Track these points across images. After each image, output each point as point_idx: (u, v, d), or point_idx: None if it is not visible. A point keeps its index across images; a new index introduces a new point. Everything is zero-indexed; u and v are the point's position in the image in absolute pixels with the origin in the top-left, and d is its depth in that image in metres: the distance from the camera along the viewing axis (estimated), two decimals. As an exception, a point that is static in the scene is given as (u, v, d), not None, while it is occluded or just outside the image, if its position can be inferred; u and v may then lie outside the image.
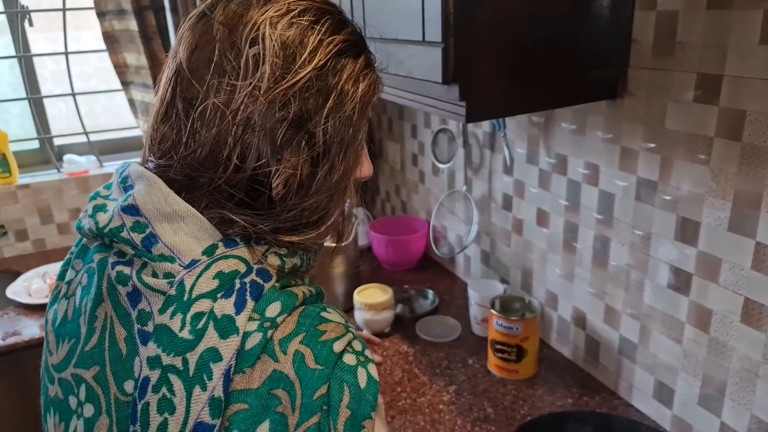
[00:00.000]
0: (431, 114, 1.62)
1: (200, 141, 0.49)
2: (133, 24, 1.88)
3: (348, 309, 1.46)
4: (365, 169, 0.60)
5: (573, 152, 1.12)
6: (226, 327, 0.46)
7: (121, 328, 0.50)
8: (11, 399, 1.54)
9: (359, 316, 1.37)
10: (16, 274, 1.80)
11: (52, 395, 0.55)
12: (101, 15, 1.91)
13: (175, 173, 0.51)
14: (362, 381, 0.48)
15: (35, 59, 2.05)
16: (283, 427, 0.45)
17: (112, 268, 0.51)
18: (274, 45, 0.49)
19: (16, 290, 1.67)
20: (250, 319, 0.47)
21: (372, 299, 1.35)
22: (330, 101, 0.51)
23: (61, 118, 2.21)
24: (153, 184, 0.51)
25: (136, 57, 1.96)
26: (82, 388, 0.51)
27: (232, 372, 0.45)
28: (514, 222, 1.36)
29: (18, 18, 1.94)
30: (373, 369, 0.50)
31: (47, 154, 2.09)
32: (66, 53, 2.02)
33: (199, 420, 0.45)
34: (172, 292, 0.47)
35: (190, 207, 0.50)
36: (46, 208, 2.01)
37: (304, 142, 0.50)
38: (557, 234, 1.22)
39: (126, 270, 0.50)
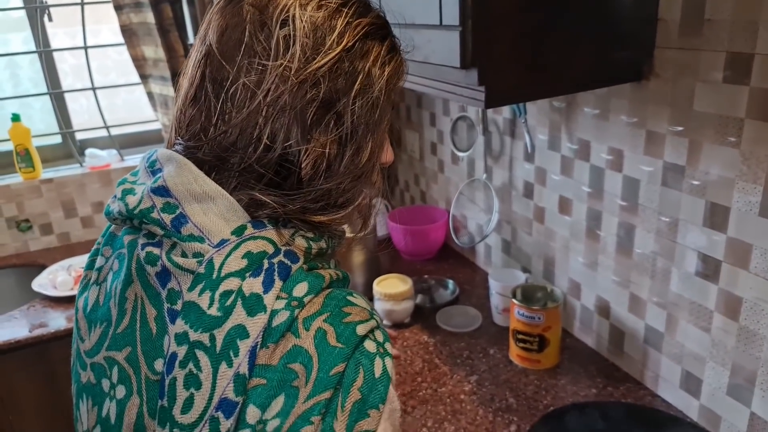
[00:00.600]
0: (450, 101, 1.60)
1: (231, 122, 0.50)
2: (150, 16, 1.88)
3: (368, 300, 1.45)
4: (388, 155, 0.60)
5: (596, 138, 1.10)
6: (254, 305, 0.47)
7: (152, 307, 0.51)
8: (38, 389, 1.58)
9: (379, 306, 1.36)
10: (42, 267, 1.84)
11: (84, 381, 0.56)
12: (118, 8, 1.92)
13: (204, 154, 0.52)
14: (377, 370, 0.48)
15: (55, 54, 2.07)
16: (294, 400, 0.46)
17: (142, 249, 0.51)
18: (304, 26, 0.50)
19: (42, 283, 1.70)
20: (278, 297, 0.48)
21: (392, 289, 1.35)
22: (357, 83, 0.51)
23: (82, 113, 2.24)
24: (183, 165, 0.52)
25: (153, 50, 1.96)
26: (115, 369, 0.52)
27: (258, 349, 0.46)
28: (536, 210, 1.33)
29: (37, 13, 1.96)
30: (389, 363, 0.50)
31: (69, 148, 2.12)
32: (85, 47, 2.04)
33: (223, 396, 0.45)
34: (201, 270, 0.48)
35: (220, 188, 0.51)
36: (70, 201, 2.04)
37: (332, 123, 0.51)
38: (580, 222, 1.19)
39: (155, 251, 0.51)
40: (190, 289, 0.48)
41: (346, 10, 0.52)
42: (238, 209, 0.51)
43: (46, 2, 1.97)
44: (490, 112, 1.42)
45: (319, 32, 0.50)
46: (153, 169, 0.55)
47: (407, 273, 1.44)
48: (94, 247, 0.61)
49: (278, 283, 0.48)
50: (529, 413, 1.05)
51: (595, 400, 1.08)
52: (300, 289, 0.49)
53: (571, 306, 1.27)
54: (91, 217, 2.08)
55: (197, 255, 0.49)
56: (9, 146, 1.96)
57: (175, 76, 1.98)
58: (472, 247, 1.66)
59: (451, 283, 1.52)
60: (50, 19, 2.01)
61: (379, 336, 0.51)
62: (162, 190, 0.51)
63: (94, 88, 2.08)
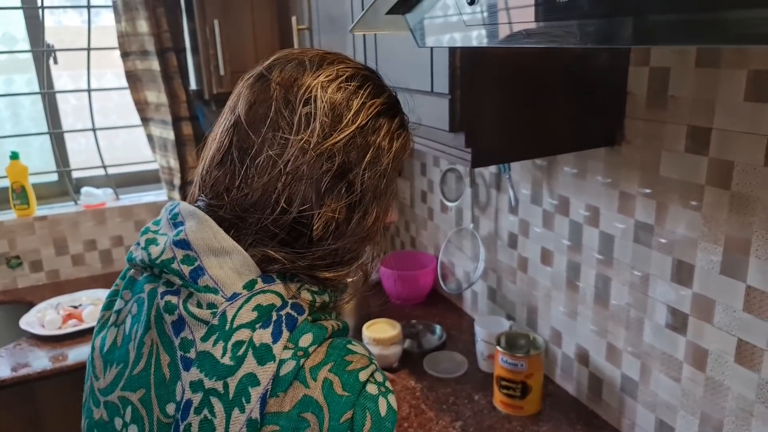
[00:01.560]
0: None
1: (252, 186, 0.55)
2: (155, 64, 1.97)
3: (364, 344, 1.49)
4: (393, 215, 0.67)
5: (575, 194, 1.18)
6: (264, 354, 0.51)
7: (166, 354, 0.55)
8: (22, 429, 1.56)
9: (367, 349, 1.40)
10: (30, 305, 1.83)
11: (96, 418, 0.59)
12: (125, 55, 2.01)
13: (225, 213, 0.57)
14: (383, 409, 0.53)
15: (58, 95, 2.14)
16: None
17: (161, 298, 0.56)
18: (324, 106, 0.56)
19: (30, 321, 1.69)
20: (285, 348, 0.52)
21: (380, 334, 1.39)
22: (368, 155, 0.57)
23: (80, 152, 2.29)
24: (204, 222, 0.56)
25: (156, 95, 2.04)
26: (129, 409, 0.56)
27: (267, 396, 0.50)
28: (520, 260, 1.40)
29: (44, 56, 2.03)
30: (392, 399, 0.54)
31: (65, 186, 2.16)
32: (89, 90, 2.11)
33: None
34: (215, 321, 0.52)
35: (236, 244, 0.55)
36: (62, 239, 2.06)
37: (344, 190, 0.56)
38: (560, 272, 1.26)
39: (174, 300, 0.55)
40: (204, 339, 0.52)
41: (362, 92, 0.58)
42: (251, 264, 0.55)
43: (53, 46, 2.05)
44: (476, 166, 1.50)
45: (337, 111, 0.56)
46: (175, 221, 0.59)
47: (396, 317, 1.48)
48: (113, 288, 0.66)
49: (286, 334, 0.52)
50: (511, 458, 1.09)
51: (573, 446, 1.12)
52: (305, 340, 0.53)
53: (552, 353, 1.33)
54: (82, 254, 2.10)
55: (211, 306, 0.53)
56: (5, 183, 1.98)
57: (176, 120, 2.06)
58: (460, 293, 1.72)
59: (438, 328, 1.57)
60: (56, 62, 2.08)
61: (379, 377, 0.55)
62: (183, 243, 0.56)
63: (94, 129, 2.14)
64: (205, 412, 0.50)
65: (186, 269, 0.55)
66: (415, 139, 1.08)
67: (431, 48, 0.90)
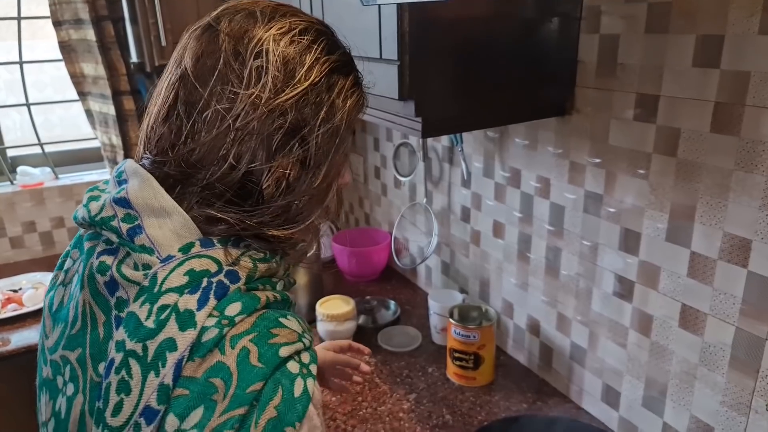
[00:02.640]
0: (390, 128, 1.66)
1: (199, 141, 0.54)
2: (90, 34, 1.86)
3: (311, 320, 1.47)
4: (347, 177, 0.65)
5: (526, 166, 1.17)
6: (186, 320, 0.49)
7: (101, 313, 0.54)
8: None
9: (322, 327, 1.38)
10: (-34, 289, 1.75)
11: (44, 376, 0.60)
12: (57, 24, 1.89)
13: (170, 169, 0.55)
14: (297, 390, 0.50)
15: (-12, 68, 2.00)
16: (211, 413, 0.48)
17: (96, 258, 0.55)
18: (276, 60, 0.54)
19: (-34, 306, 1.62)
20: (210, 315, 0.50)
21: (334, 310, 1.37)
22: (322, 113, 0.56)
23: (14, 129, 2.16)
24: (146, 180, 0.55)
25: (93, 67, 1.93)
26: (67, 368, 0.56)
27: (184, 362, 0.49)
28: (472, 233, 1.40)
29: (-30, 26, 1.90)
30: (311, 384, 0.52)
31: (-1, 165, 2.04)
32: (21, 62, 1.98)
33: (147, 403, 0.48)
34: (146, 283, 0.51)
35: (177, 205, 0.54)
36: (-2, 220, 1.96)
37: (296, 147, 0.55)
38: (512, 245, 1.26)
39: (108, 260, 0.54)
40: (135, 300, 0.51)
41: (315, 46, 0.56)
42: (191, 226, 0.54)
43: (-21, 15, 1.91)
44: (429, 139, 1.48)
45: (290, 66, 0.54)
46: (119, 179, 0.58)
47: (350, 294, 1.46)
48: (66, 249, 0.64)
49: (212, 302, 0.51)
50: (465, 429, 1.10)
51: (525, 413, 1.13)
52: (233, 309, 0.51)
53: (504, 325, 1.34)
54: (21, 237, 2.00)
55: (146, 267, 0.52)
56: (-67, 162, 1.87)
57: (116, 94, 1.95)
58: (414, 268, 1.71)
59: (392, 303, 1.56)
60: (-17, 32, 1.95)
61: (305, 358, 0.53)
62: (124, 202, 0.55)
63: (28, 104, 2.02)
64: (123, 372, 0.49)
65: (125, 227, 0.54)
66: (366, 111, 1.06)
67: (379, 13, 0.87)
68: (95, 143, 2.14)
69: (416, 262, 1.67)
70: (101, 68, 1.90)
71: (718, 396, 0.86)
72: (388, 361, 1.32)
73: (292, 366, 0.51)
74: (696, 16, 0.79)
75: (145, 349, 0.49)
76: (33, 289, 1.72)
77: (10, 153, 2.10)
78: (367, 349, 1.06)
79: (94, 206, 0.56)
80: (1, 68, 2.06)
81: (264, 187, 0.54)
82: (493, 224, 1.31)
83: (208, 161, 0.53)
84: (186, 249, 0.53)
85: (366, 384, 1.24)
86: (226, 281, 0.52)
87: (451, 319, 1.22)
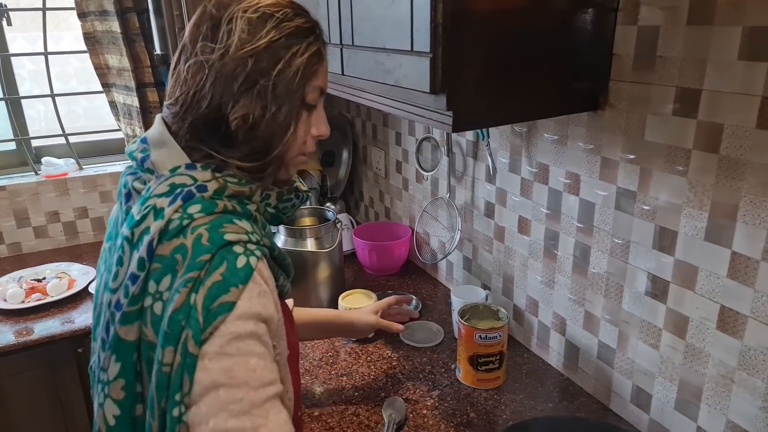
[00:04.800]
0: (417, 122, 1.64)
1: (186, 87, 0.71)
2: (115, 25, 1.86)
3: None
4: (322, 128, 0.79)
5: (555, 162, 1.15)
6: (158, 214, 0.67)
7: (122, 213, 0.75)
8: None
9: (343, 321, 1.37)
10: (-9, 278, 1.77)
11: (99, 264, 0.81)
12: (82, 15, 1.89)
13: (173, 110, 0.73)
14: (240, 263, 0.65)
15: (13, 59, 2.02)
16: (175, 277, 0.64)
17: (123, 177, 0.76)
18: (242, 23, 0.70)
19: (-9, 295, 1.64)
20: (176, 211, 0.67)
21: (357, 304, 1.36)
22: (279, 65, 0.70)
23: (39, 119, 2.18)
24: (158, 123, 0.75)
25: (118, 59, 1.94)
26: (104, 254, 0.78)
27: (154, 243, 0.66)
28: (496, 229, 1.38)
29: (-4, 17, 1.91)
30: (254, 260, 0.66)
31: (24, 155, 2.06)
32: (45, 53, 2.00)
33: (131, 271, 0.66)
34: (144, 192, 0.71)
35: (172, 139, 0.72)
36: (23, 210, 1.98)
37: (256, 91, 0.70)
38: (538, 241, 1.24)
39: (129, 179, 0.74)
40: (136, 203, 0.70)
41: (277, 15, 0.71)
42: (181, 154, 0.72)
43: (5, 5, 1.93)
44: (454, 134, 1.46)
45: (252, 27, 0.70)
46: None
47: (371, 288, 1.45)
48: None
49: (179, 203, 0.68)
50: (489, 428, 1.08)
51: (551, 414, 1.11)
52: (193, 208, 0.67)
53: (528, 323, 1.32)
54: (44, 227, 2.02)
55: (146, 183, 0.72)
56: (-40, 152, 1.89)
57: (140, 86, 1.96)
58: (435, 263, 1.69)
59: (414, 298, 1.55)
60: (9, 23, 1.96)
61: (252, 247, 0.68)
62: (143, 139, 0.75)
63: (53, 95, 2.04)
64: (120, 251, 0.69)
65: (139, 156, 0.74)
66: (391, 104, 1.04)
67: (411, 4, 0.85)
68: (119, 134, 2.16)
69: (438, 257, 1.65)
70: (125, 60, 1.90)
71: (757, 401, 0.84)
72: (411, 356, 1.31)
73: (237, 248, 0.66)
74: (743, 7, 0.76)
75: (132, 234, 0.68)
76: (57, 278, 1.74)
77: (35, 143, 2.12)
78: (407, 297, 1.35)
79: (132, 146, 0.76)
80: (26, 59, 2.08)
81: (231, 120, 0.69)
82: (519, 220, 1.29)
83: (194, 102, 0.70)
84: (174, 170, 0.70)
85: (389, 379, 1.23)
86: (194, 190, 0.69)
87: (470, 324, 1.19)
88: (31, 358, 1.51)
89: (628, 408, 1.08)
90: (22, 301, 1.62)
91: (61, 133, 2.08)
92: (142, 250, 0.66)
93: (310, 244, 1.47)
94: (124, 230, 0.69)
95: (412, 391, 1.19)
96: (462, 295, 1.36)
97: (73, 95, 2.21)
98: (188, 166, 0.70)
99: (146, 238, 0.66)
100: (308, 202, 1.56)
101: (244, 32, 0.69)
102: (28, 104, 2.09)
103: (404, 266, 1.76)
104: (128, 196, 0.74)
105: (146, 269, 0.65)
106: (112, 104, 2.05)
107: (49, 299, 1.64)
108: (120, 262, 0.68)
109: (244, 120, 0.70)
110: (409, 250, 1.74)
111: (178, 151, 0.72)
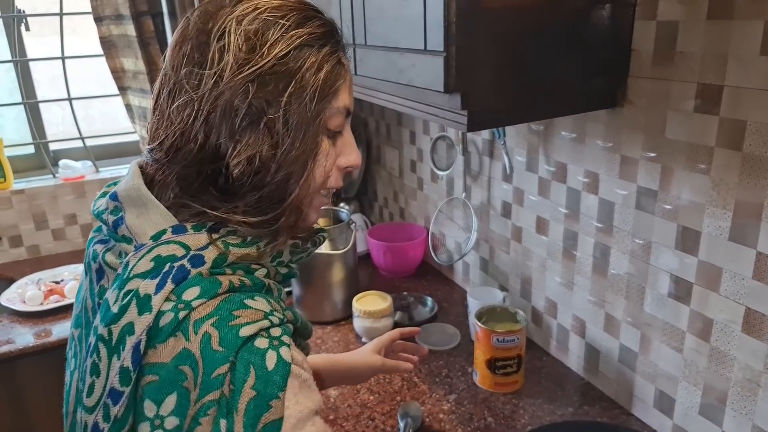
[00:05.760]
0: (431, 122, 1.62)
1: (173, 126, 0.55)
2: (130, 29, 1.87)
3: (347, 316, 1.45)
4: (352, 158, 0.63)
5: (573, 160, 1.13)
6: (144, 305, 0.50)
7: (90, 299, 0.59)
8: (2, 409, 1.52)
9: (358, 323, 1.37)
10: (10, 281, 1.79)
11: (69, 349, 0.65)
12: (98, 20, 1.91)
13: (156, 155, 0.57)
14: (270, 363, 0.50)
15: (31, 63, 2.04)
16: (187, 401, 0.49)
17: (92, 246, 0.60)
18: (237, 39, 0.54)
19: (10, 297, 1.66)
20: (167, 299, 0.51)
21: (371, 306, 1.35)
22: (290, 88, 0.55)
23: (56, 123, 2.20)
24: (133, 173, 0.59)
25: (133, 62, 1.95)
26: (73, 344, 0.63)
27: (142, 346, 0.49)
28: (514, 229, 1.36)
29: (14, 22, 1.93)
30: (285, 352, 0.51)
31: (42, 159, 2.08)
32: (63, 58, 2.02)
33: (112, 385, 0.50)
34: (120, 270, 0.54)
35: (151, 195, 0.56)
36: (41, 213, 2.00)
37: (263, 125, 0.54)
38: (557, 242, 1.22)
39: (99, 249, 0.59)
40: (111, 287, 0.54)
41: (282, 22, 0.55)
42: (166, 214, 0.56)
43: (23, 11, 1.95)
44: (469, 133, 1.44)
45: (251, 43, 0.54)
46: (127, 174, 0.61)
47: (386, 290, 1.44)
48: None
49: (170, 286, 0.51)
50: (507, 432, 1.07)
51: (571, 419, 1.09)
52: (190, 293, 0.51)
53: (547, 325, 1.29)
54: (62, 229, 2.04)
55: (124, 255, 0.55)
56: (-20, 156, 1.92)
57: (155, 89, 1.97)
58: (451, 264, 1.68)
59: (429, 300, 1.53)
60: (27, 29, 1.98)
61: (275, 332, 0.52)
62: (114, 195, 0.59)
63: (70, 99, 2.06)
64: (95, 356, 0.52)
65: (111, 219, 0.57)
66: (405, 103, 1.03)
67: (424, 2, 0.83)
68: (134, 137, 2.17)
69: (454, 258, 1.63)
70: (141, 63, 1.91)
71: (785, 407, 0.81)
72: (427, 359, 1.30)
73: (260, 342, 0.51)
74: (764, 1, 0.73)
75: (110, 333, 0.51)
76: (74, 280, 1.75)
77: (53, 147, 2.15)
78: (415, 329, 1.10)
79: (99, 202, 0.61)
80: (44, 63, 2.10)
81: (232, 165, 0.53)
82: (537, 220, 1.27)
83: (182, 145, 0.54)
84: (157, 236, 0.54)
85: (404, 383, 1.22)
86: (187, 266, 0.52)
87: (487, 327, 1.17)
88: (50, 360, 1.53)
89: (651, 413, 1.05)
90: (41, 303, 1.64)
91: (78, 136, 2.10)
92: (125, 357, 0.49)
93: (323, 246, 1.46)
94: (99, 326, 0.51)
95: (428, 395, 1.18)
96: (479, 296, 1.34)
97: (90, 99, 2.23)
98: (176, 230, 0.54)
99: (129, 340, 0.49)
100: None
101: (240, 49, 0.53)
102: (46, 108, 2.11)
103: (419, 267, 1.75)
104: (99, 273, 0.57)
105: (133, 383, 0.49)
106: (128, 107, 2.06)
107: (67, 301, 1.65)
108: (95, 370, 0.51)
109: (249, 163, 0.53)
110: (424, 251, 1.72)
111: (162, 211, 0.55)
